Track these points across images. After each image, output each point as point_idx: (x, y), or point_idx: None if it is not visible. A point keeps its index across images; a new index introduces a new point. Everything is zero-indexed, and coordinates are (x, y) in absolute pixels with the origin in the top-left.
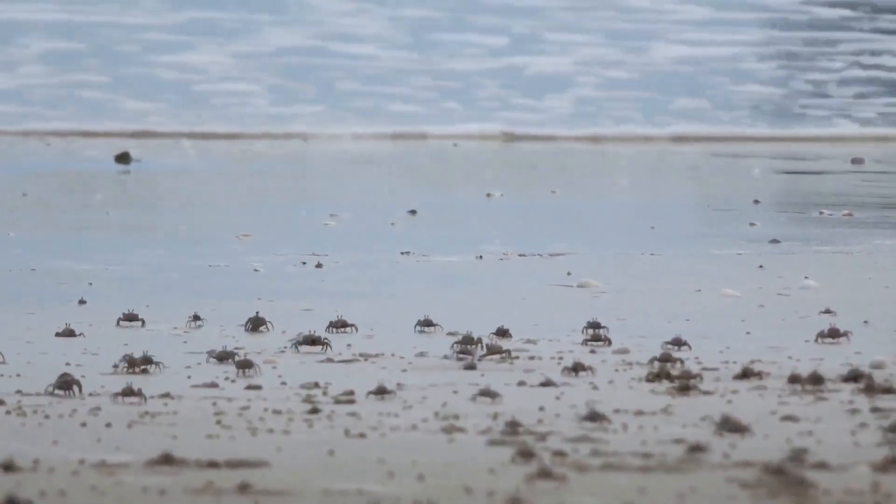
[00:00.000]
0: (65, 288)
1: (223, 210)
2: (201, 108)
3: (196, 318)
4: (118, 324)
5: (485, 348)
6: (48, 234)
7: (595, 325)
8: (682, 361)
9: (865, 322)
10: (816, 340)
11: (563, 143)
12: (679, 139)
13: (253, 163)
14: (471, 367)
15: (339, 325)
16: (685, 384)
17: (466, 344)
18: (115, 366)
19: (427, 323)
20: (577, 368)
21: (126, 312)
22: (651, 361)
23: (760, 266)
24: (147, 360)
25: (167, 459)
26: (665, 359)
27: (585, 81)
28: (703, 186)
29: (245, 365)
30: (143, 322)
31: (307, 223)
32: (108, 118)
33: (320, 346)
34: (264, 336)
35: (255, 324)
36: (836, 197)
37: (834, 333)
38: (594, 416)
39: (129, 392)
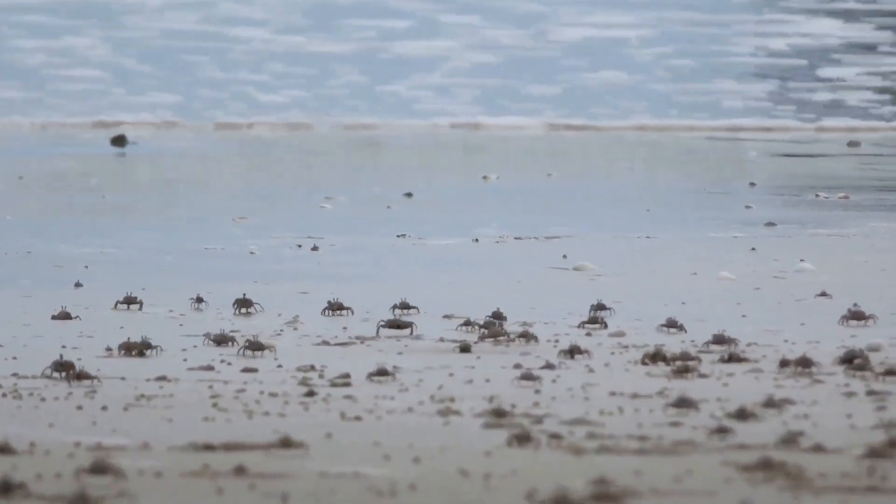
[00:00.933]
0: (61, 271)
1: (219, 193)
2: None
3: (199, 300)
4: (116, 307)
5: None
6: (44, 217)
7: (600, 307)
8: (735, 342)
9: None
10: (842, 324)
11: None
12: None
13: (251, 146)
14: (466, 349)
15: (336, 307)
16: (684, 367)
17: (488, 328)
18: (109, 349)
19: (404, 306)
20: (573, 352)
21: (125, 296)
22: (706, 344)
23: (753, 248)
24: (146, 346)
25: (287, 443)
26: (719, 340)
27: (456, 66)
28: (699, 169)
29: (256, 347)
30: (142, 305)
31: (303, 206)
32: None
33: (405, 329)
34: (259, 319)
35: (243, 305)
36: (833, 180)
37: (859, 316)
38: (683, 403)
39: (84, 376)
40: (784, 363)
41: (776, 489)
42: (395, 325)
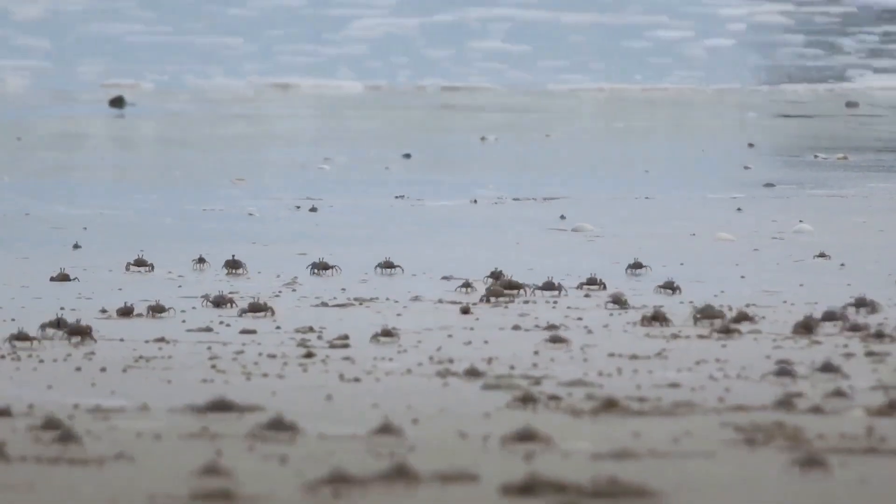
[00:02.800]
0: (59, 232)
1: (218, 154)
2: None
3: (201, 260)
4: (128, 269)
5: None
6: (43, 178)
7: (637, 266)
8: (876, 305)
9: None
10: None
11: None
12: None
13: (247, 107)
14: (465, 310)
15: (322, 266)
16: (726, 327)
17: (548, 288)
18: (104, 310)
19: (388, 265)
20: (592, 282)
21: (136, 258)
22: (846, 307)
23: (738, 209)
24: (160, 308)
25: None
26: (861, 303)
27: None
28: (696, 129)
29: (258, 308)
30: (153, 267)
31: (302, 167)
32: None
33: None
34: (258, 280)
35: (232, 266)
36: (831, 140)
37: None
38: (784, 371)
39: (23, 337)
40: (799, 325)
41: (775, 450)
42: (466, 285)
